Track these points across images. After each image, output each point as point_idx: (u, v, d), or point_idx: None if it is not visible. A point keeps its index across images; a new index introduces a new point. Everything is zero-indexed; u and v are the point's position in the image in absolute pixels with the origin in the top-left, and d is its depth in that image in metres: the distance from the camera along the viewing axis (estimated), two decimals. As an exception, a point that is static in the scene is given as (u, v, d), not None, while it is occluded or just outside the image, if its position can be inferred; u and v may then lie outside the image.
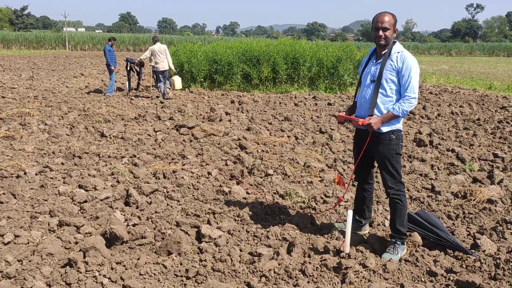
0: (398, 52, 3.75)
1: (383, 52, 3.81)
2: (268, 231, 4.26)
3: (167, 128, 8.81)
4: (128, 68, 14.56)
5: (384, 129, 3.79)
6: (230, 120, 9.80)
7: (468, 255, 3.87)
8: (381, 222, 4.62)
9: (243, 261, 3.69)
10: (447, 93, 15.42)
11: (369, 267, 3.58)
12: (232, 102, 12.64)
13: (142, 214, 4.63)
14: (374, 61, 3.90)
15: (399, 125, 3.86)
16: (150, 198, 5.12)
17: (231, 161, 6.61)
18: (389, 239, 4.01)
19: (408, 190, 5.62)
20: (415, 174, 6.26)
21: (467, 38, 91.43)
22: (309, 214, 4.69)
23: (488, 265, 3.67)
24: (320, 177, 6.05)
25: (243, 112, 10.97)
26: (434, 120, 10.42)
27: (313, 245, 4.00)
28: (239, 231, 4.28)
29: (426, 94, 15.10)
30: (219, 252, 3.82)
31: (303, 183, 5.79)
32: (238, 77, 15.56)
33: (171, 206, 4.87)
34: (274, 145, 7.62)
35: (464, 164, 6.72)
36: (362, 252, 3.91)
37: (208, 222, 4.49)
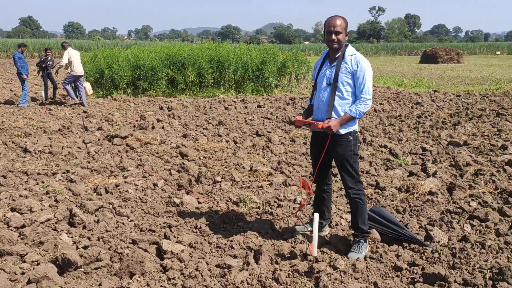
0: (352, 55, 3.83)
1: (336, 55, 3.88)
2: (231, 241, 4.15)
3: (98, 139, 8.31)
4: (41, 73, 13.74)
5: (342, 131, 3.86)
6: (163, 127, 9.49)
7: (425, 247, 4.06)
8: (338, 221, 4.70)
9: (214, 275, 3.55)
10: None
11: (340, 268, 3.62)
12: (161, 108, 12.27)
13: (91, 235, 4.29)
14: (329, 64, 3.95)
15: (355, 126, 3.95)
16: (96, 216, 4.77)
17: (175, 170, 6.39)
18: (352, 238, 4.09)
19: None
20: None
21: (371, 39, 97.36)
22: (268, 220, 4.66)
23: (446, 255, 3.87)
24: (269, 180, 6.04)
25: (175, 119, 10.69)
26: (361, 118, 10.91)
27: (279, 251, 3.96)
28: (201, 243, 4.12)
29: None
30: (186, 268, 3.64)
31: (253, 188, 5.74)
32: (163, 82, 15.16)
33: (122, 223, 4.58)
34: (215, 151, 7.50)
35: (398, 159, 7.09)
36: (327, 253, 3.94)
37: (166, 237, 4.28)
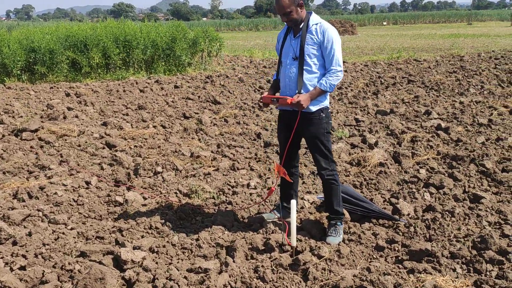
0: (317, 24, 3.53)
1: (300, 26, 3.55)
2: (197, 239, 3.72)
3: (3, 136, 7.18)
4: None
5: (313, 108, 3.58)
6: (77, 116, 8.50)
7: (396, 222, 3.98)
8: (302, 204, 4.46)
9: (192, 282, 3.12)
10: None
11: (325, 256, 3.38)
12: (68, 95, 11.06)
13: (26, 251, 3.58)
14: (292, 36, 3.61)
15: (327, 102, 3.69)
16: (26, 227, 4.02)
17: (106, 164, 5.69)
18: (328, 222, 3.87)
19: (306, 166, 5.61)
20: (302, 149, 6.29)
21: (269, 13, 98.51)
22: (228, 210, 4.27)
23: (420, 227, 3.82)
24: (214, 166, 5.62)
25: (87, 106, 9.67)
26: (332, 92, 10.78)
27: (252, 245, 3.62)
28: (163, 246, 3.63)
29: (262, 68, 15.62)
30: (156, 278, 3.15)
31: (200, 176, 5.29)
32: (64, 66, 13.71)
33: (62, 233, 3.90)
34: (145, 138, 6.85)
35: (337, 132, 7.04)
36: (304, 241, 3.68)
37: (119, 243, 3.72)
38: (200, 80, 13.18)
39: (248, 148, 6.36)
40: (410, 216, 4.09)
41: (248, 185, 5.00)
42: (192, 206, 4.42)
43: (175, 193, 4.80)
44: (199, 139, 6.86)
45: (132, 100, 10.07)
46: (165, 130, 7.41)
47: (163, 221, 4.10)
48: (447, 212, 3.99)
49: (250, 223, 4.10)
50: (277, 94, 3.80)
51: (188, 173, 5.42)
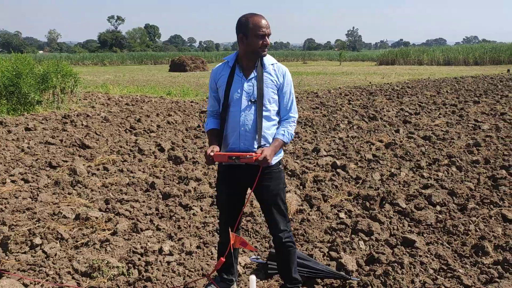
0: (273, 64, 3.02)
1: (255, 64, 2.99)
2: None
3: None
4: None
5: (273, 161, 3.03)
6: None
7: (348, 280, 3.58)
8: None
9: None
10: (144, 103, 15.23)
11: None
12: None
13: None
14: (243, 75, 3.03)
15: (282, 152, 3.17)
16: None
17: (-43, 240, 4.24)
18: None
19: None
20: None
21: (114, 48, 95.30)
22: (150, 290, 3.39)
23: (377, 286, 3.47)
24: (110, 229, 4.60)
25: None
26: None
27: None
28: None
29: (125, 106, 14.47)
30: None
31: (95, 244, 4.24)
32: None
33: None
34: (5, 198, 5.42)
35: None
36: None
37: None
38: (57, 121, 11.53)
39: (144, 202, 5.44)
40: (358, 271, 3.73)
41: (161, 250, 4.14)
42: (99, 290, 3.41)
43: (69, 273, 3.70)
44: (79, 195, 5.69)
45: (-26, 148, 8.18)
46: (30, 186, 6.02)
47: (64, 318, 3.05)
48: (396, 264, 3.73)
49: (184, 306, 3.29)
50: (224, 151, 3.14)
51: (77, 242, 4.32)
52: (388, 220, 4.79)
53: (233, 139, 3.06)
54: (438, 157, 7.31)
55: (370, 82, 22.00)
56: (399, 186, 5.93)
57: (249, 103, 2.97)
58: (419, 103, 13.75)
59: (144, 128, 10.31)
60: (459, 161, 6.96)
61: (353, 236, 4.43)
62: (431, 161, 7.21)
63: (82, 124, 10.77)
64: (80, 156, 7.67)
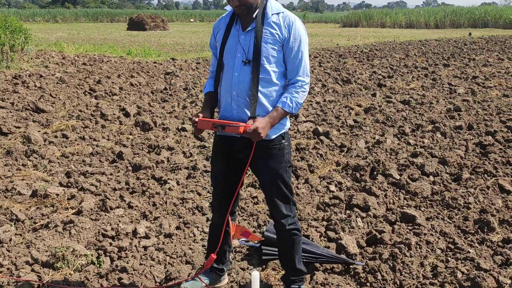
0: (278, 14, 2.45)
1: (254, 15, 2.42)
2: None
3: None
4: None
5: (273, 134, 2.51)
6: None
7: (352, 265, 3.20)
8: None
9: None
10: (103, 63, 14.19)
11: None
12: None
13: None
14: (240, 27, 2.46)
15: (288, 124, 2.65)
16: None
17: None
18: (286, 285, 2.84)
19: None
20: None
21: (67, 4, 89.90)
22: (125, 284, 2.89)
23: (386, 272, 3.10)
24: (74, 207, 4.01)
25: None
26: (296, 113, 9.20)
27: None
28: None
29: (82, 66, 13.42)
30: None
31: (58, 226, 3.65)
32: None
33: None
34: None
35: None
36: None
37: None
38: (6, 81, 10.46)
39: (111, 174, 4.84)
40: (361, 254, 3.36)
41: (135, 232, 3.61)
42: (64, 287, 2.87)
43: (28, 263, 3.13)
44: (35, 166, 5.01)
45: None
46: (-24, 156, 5.27)
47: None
48: (403, 245, 3.37)
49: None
50: (217, 117, 2.61)
51: (36, 223, 3.72)
52: (383, 193, 4.44)
53: (224, 104, 2.53)
54: (421, 123, 7.02)
55: (337, 44, 21.55)
56: (387, 155, 5.59)
57: (243, 63, 2.41)
58: (391, 66, 13.45)
59: (105, 90, 9.48)
60: (443, 127, 6.69)
61: (348, 212, 4.05)
62: (414, 127, 6.92)
63: (36, 86, 9.79)
64: (34, 121, 6.87)
